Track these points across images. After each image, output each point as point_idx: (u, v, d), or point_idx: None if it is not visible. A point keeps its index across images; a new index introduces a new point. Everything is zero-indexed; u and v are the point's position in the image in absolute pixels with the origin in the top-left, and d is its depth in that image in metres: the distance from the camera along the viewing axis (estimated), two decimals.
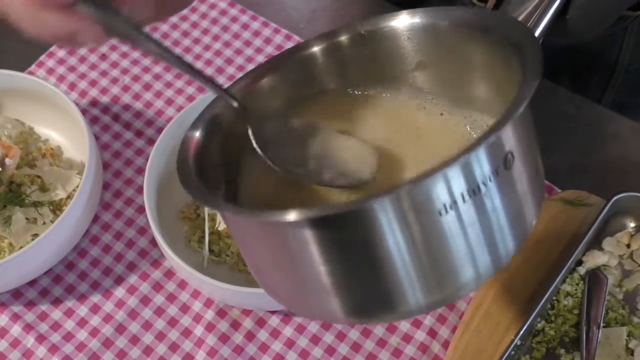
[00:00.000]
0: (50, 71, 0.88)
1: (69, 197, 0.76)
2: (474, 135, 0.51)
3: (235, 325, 0.71)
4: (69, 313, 0.73)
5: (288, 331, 0.71)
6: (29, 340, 0.71)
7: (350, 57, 0.54)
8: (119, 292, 0.74)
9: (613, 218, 0.71)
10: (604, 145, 0.82)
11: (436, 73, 0.52)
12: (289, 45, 0.89)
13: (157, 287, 0.74)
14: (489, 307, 0.69)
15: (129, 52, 0.89)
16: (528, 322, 0.64)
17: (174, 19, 0.91)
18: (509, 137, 0.42)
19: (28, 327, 0.72)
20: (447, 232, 0.40)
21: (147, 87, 0.86)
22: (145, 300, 0.73)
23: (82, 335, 0.72)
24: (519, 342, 0.65)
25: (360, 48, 0.53)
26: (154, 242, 0.76)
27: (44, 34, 0.43)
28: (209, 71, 0.87)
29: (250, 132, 0.49)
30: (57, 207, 0.75)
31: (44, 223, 0.74)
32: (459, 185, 0.39)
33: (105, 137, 0.83)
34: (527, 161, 0.43)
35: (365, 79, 0.54)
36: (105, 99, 0.86)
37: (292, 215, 0.39)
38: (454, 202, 0.39)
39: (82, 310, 0.73)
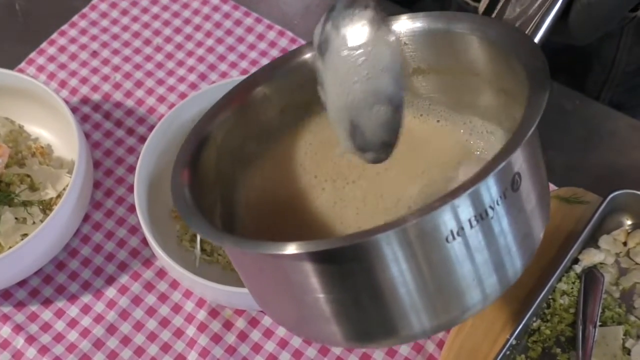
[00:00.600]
0: (41, 69, 0.87)
1: (59, 196, 0.75)
2: (472, 143, 0.50)
3: (228, 325, 0.70)
4: (60, 314, 0.72)
5: (281, 331, 0.70)
6: (19, 342, 0.70)
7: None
8: (110, 292, 0.73)
9: (610, 215, 0.70)
10: (600, 142, 0.81)
11: (434, 79, 0.52)
12: (283, 41, 0.88)
13: (149, 287, 0.73)
14: None
15: (120, 49, 0.88)
16: (523, 322, 0.64)
17: (166, 15, 0.90)
18: (517, 160, 0.41)
19: (18, 328, 0.71)
20: (454, 259, 0.39)
21: (139, 84, 0.85)
22: (136, 301, 0.72)
23: (72, 336, 0.71)
24: (514, 342, 0.64)
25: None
26: (145, 242, 0.75)
27: None
28: (202, 68, 0.86)
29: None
30: (47, 207, 0.74)
31: (34, 223, 0.73)
32: (466, 212, 0.38)
33: (96, 135, 0.82)
34: (534, 180, 0.43)
35: None
36: (96, 97, 0.85)
37: (292, 248, 0.38)
38: (461, 229, 0.39)
39: (73, 311, 0.72)
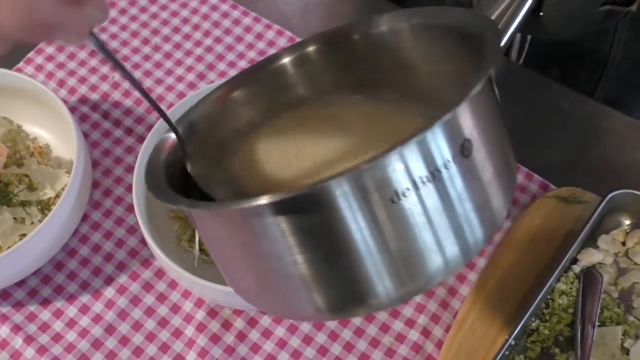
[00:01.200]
0: (39, 68, 0.86)
1: (58, 196, 0.75)
2: None
3: (227, 325, 0.70)
4: (58, 314, 0.72)
5: (280, 331, 0.70)
6: (17, 342, 0.70)
7: (322, 65, 0.54)
8: (109, 292, 0.73)
9: (608, 215, 0.70)
10: (598, 141, 0.81)
11: (409, 76, 0.53)
12: (281, 40, 0.88)
13: (147, 287, 0.73)
14: (483, 306, 0.68)
15: (118, 48, 0.88)
16: (522, 322, 0.64)
17: (165, 14, 0.90)
18: (466, 124, 0.41)
19: (16, 328, 0.71)
20: (410, 217, 0.40)
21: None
22: (135, 301, 0.72)
23: (71, 336, 0.71)
24: (513, 342, 0.64)
25: (331, 55, 0.54)
26: (144, 242, 0.75)
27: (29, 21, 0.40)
28: (200, 68, 0.86)
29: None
30: (45, 207, 0.74)
31: (32, 223, 0.73)
32: (416, 166, 0.39)
33: (94, 134, 0.82)
34: (491, 151, 0.43)
35: (338, 85, 0.55)
36: (94, 96, 0.85)
37: (252, 202, 0.39)
38: (414, 184, 0.39)
39: (71, 311, 0.72)
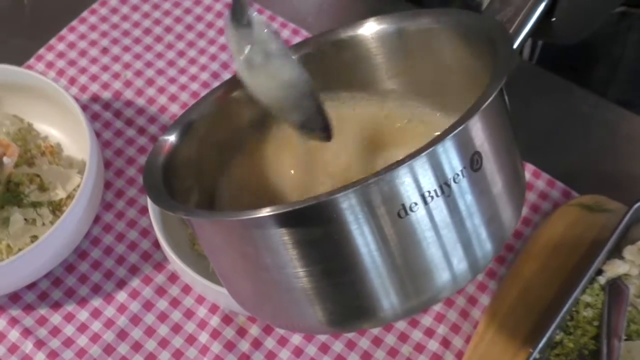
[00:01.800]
0: (50, 65, 0.85)
1: (69, 197, 0.73)
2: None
3: (242, 332, 0.69)
4: (69, 318, 0.70)
5: (296, 339, 0.68)
6: (28, 346, 0.69)
7: (323, 66, 0.54)
8: (121, 296, 0.71)
9: (634, 225, 0.68)
10: (620, 147, 0.80)
11: (411, 79, 0.52)
12: (297, 40, 0.86)
13: (161, 291, 0.71)
14: (505, 316, 0.67)
15: (130, 46, 0.86)
16: (547, 335, 0.62)
17: (178, 11, 0.88)
18: (477, 136, 0.41)
19: (26, 332, 0.69)
20: (417, 231, 0.39)
21: (150, 82, 0.84)
22: (148, 305, 0.71)
23: (82, 341, 0.69)
24: (537, 355, 0.62)
25: (332, 57, 0.53)
26: (157, 244, 0.73)
27: None
28: (214, 66, 0.85)
29: None
30: (56, 208, 0.73)
31: (43, 224, 0.71)
32: (426, 180, 0.38)
33: (106, 134, 0.80)
34: (500, 165, 0.42)
35: (344, 85, 0.54)
36: (106, 95, 0.83)
37: (255, 213, 0.38)
38: (423, 198, 0.38)
39: (83, 315, 0.70)
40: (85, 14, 0.88)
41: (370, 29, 0.52)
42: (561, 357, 0.64)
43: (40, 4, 0.89)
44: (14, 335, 0.69)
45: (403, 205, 0.38)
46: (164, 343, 0.69)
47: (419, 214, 0.39)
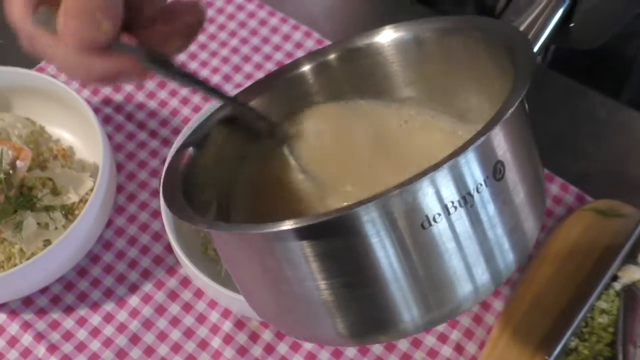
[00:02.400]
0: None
1: (82, 200, 0.73)
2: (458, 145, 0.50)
3: (254, 337, 0.69)
4: (82, 322, 0.70)
5: (309, 345, 0.68)
6: (40, 350, 0.69)
7: (339, 74, 0.53)
8: (134, 300, 0.71)
9: None
10: (635, 151, 0.79)
11: (427, 86, 0.52)
12: (309, 42, 0.86)
13: (173, 295, 0.71)
14: (519, 322, 0.66)
15: None
16: (563, 341, 0.62)
17: None
18: (499, 146, 0.40)
19: (39, 336, 0.69)
20: (440, 243, 0.39)
21: (162, 85, 0.83)
22: (160, 310, 0.70)
23: (95, 345, 0.69)
24: None
25: (348, 65, 0.53)
26: (169, 249, 0.73)
27: (92, 78, 0.43)
28: (226, 69, 0.84)
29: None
30: (69, 212, 0.72)
31: (56, 228, 0.71)
32: (448, 191, 0.38)
33: (118, 137, 0.80)
34: (523, 174, 0.42)
35: (360, 93, 0.54)
36: (118, 97, 0.83)
37: (276, 227, 0.38)
38: (445, 209, 0.38)
39: (95, 319, 0.70)
40: None
41: (387, 36, 0.51)
42: None
43: None
44: (26, 339, 0.69)
45: (426, 216, 0.38)
46: (176, 348, 0.69)
47: (441, 226, 0.38)
